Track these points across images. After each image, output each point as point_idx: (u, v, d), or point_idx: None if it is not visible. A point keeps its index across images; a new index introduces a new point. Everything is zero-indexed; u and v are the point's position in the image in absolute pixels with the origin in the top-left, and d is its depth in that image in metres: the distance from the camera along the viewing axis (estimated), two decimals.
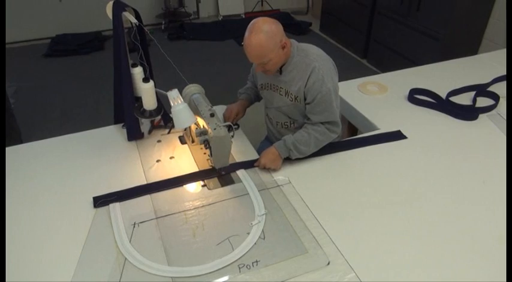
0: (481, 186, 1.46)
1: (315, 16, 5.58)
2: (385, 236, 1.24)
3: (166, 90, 1.42)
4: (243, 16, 5.72)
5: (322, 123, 1.50)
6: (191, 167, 1.53)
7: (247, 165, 1.54)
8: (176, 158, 1.59)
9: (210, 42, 4.88)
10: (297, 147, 1.47)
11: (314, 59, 1.46)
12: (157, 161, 1.56)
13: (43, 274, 1.12)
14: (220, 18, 5.63)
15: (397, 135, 1.72)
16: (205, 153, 1.57)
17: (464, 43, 3.35)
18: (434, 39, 3.32)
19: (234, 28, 5.16)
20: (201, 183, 1.46)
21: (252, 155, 1.60)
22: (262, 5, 5.88)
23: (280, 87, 1.55)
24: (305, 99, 1.50)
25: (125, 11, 1.44)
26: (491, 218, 1.32)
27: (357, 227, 1.27)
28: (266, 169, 1.50)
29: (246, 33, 1.38)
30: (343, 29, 4.66)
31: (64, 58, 4.43)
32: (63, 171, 1.50)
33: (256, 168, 1.52)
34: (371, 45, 4.23)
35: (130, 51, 1.51)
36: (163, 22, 5.24)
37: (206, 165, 1.53)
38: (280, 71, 1.51)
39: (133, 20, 1.44)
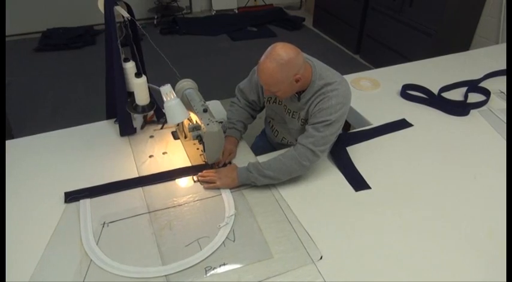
0: (472, 181, 1.47)
1: (308, 11, 5.57)
2: (361, 237, 1.24)
3: (159, 85, 1.41)
4: (236, 11, 5.70)
5: (302, 145, 1.37)
6: (184, 163, 1.53)
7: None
8: (169, 153, 1.58)
9: (203, 37, 4.85)
10: (258, 170, 1.37)
11: (332, 89, 1.37)
12: (150, 156, 1.56)
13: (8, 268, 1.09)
14: (213, 13, 5.61)
15: (388, 130, 1.73)
16: (198, 149, 1.57)
17: (456, 39, 3.38)
18: (427, 35, 3.33)
19: (227, 23, 5.13)
20: (185, 180, 1.46)
21: (247, 151, 1.60)
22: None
23: (294, 111, 1.50)
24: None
25: (117, 5, 1.43)
26: (482, 213, 1.33)
27: (333, 228, 1.26)
28: (207, 182, 1.41)
29: (262, 57, 1.30)
30: (336, 24, 4.66)
31: (55, 52, 4.38)
32: (55, 166, 1.49)
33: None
34: (364, 41, 4.24)
35: (122, 46, 1.50)
36: (155, 16, 5.20)
37: (199, 161, 1.53)
38: (299, 98, 1.43)
39: (126, 14, 1.42)
